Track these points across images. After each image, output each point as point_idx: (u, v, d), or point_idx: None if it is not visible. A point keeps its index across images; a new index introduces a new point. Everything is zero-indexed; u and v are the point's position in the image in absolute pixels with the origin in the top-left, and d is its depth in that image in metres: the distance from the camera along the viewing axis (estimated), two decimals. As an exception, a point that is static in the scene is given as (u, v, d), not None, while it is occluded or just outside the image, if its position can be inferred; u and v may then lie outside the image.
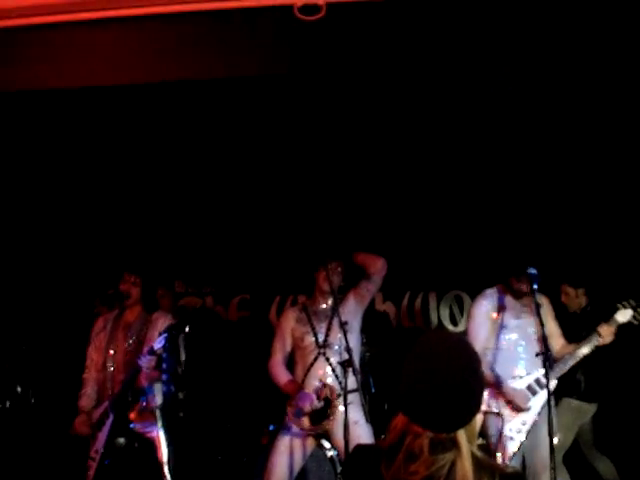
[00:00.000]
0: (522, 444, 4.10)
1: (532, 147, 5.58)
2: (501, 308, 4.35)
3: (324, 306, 4.63)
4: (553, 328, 4.40)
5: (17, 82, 3.93)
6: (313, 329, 4.53)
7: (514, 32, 3.55)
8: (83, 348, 4.86)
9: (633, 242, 5.56)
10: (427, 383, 1.83)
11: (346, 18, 3.52)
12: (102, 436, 4.31)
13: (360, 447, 2.04)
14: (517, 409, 4.14)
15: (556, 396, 4.35)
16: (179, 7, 3.66)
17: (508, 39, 3.60)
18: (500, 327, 4.29)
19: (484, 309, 4.39)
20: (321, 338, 4.50)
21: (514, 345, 4.27)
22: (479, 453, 1.88)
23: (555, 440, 3.91)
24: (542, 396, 4.10)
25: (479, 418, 1.88)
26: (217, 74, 3.75)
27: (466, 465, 1.80)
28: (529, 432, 4.15)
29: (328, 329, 4.52)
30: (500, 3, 3.54)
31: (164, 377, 4.34)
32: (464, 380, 1.84)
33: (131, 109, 5.07)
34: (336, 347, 4.46)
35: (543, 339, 3.99)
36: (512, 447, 4.08)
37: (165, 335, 4.24)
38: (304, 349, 4.54)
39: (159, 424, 4.35)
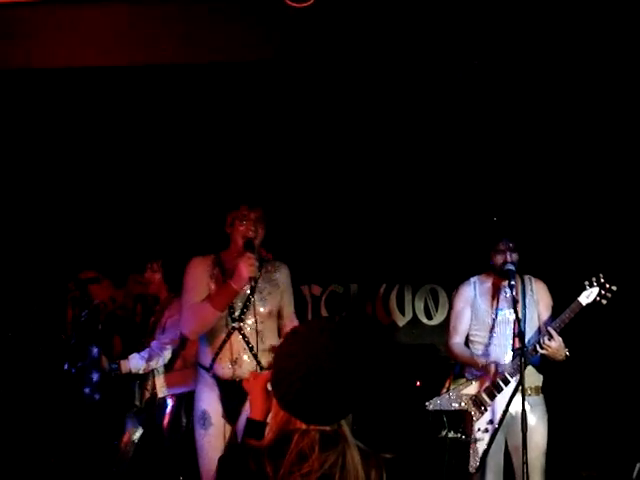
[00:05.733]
0: (490, 443, 4.02)
1: (507, 145, 5.62)
2: (494, 295, 4.25)
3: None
4: (544, 319, 4.21)
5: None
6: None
7: (504, 22, 3.56)
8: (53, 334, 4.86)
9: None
10: (304, 376, 1.77)
11: (335, 6, 3.50)
12: None
13: (235, 447, 1.97)
14: (490, 395, 4.11)
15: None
16: (165, -11, 3.62)
17: (492, 27, 3.60)
18: (492, 315, 4.21)
19: (463, 297, 4.32)
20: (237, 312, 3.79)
21: (503, 334, 4.17)
22: (359, 442, 1.85)
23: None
24: (507, 393, 4.03)
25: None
26: (203, 59, 3.71)
27: (355, 457, 1.78)
28: (508, 432, 4.09)
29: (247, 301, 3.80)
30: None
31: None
32: (342, 369, 1.78)
33: (113, 92, 4.99)
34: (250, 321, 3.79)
35: (520, 334, 3.94)
36: (481, 447, 4.02)
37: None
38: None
39: None
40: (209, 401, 3.76)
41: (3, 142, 5.57)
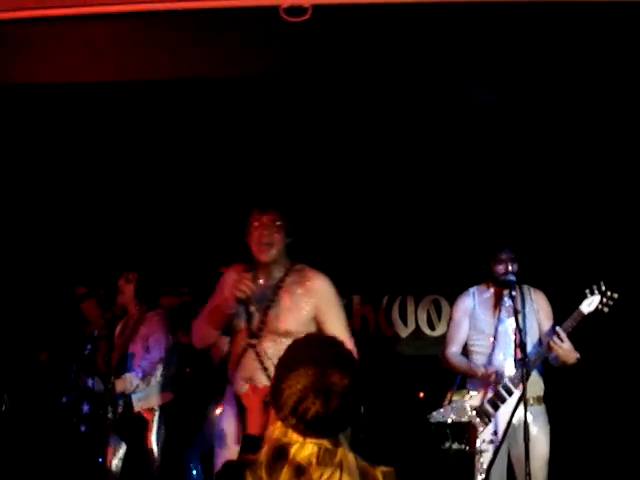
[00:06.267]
0: (496, 455, 4.02)
1: (503, 156, 5.64)
2: (495, 305, 4.26)
3: (261, 281, 3.44)
4: (547, 330, 4.19)
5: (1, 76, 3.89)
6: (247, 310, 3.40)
7: (498, 32, 3.58)
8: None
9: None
10: (302, 387, 1.78)
11: (332, 20, 3.52)
12: None
13: (231, 463, 1.89)
14: (493, 406, 4.10)
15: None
16: (163, 5, 3.65)
17: (488, 36, 3.62)
18: (494, 325, 4.22)
19: (462, 307, 4.34)
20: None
21: (504, 344, 4.18)
22: (357, 455, 1.84)
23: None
24: (510, 404, 4.03)
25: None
26: (201, 74, 3.73)
27: (353, 470, 1.77)
28: (511, 442, 4.09)
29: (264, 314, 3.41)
30: (486, 7, 3.57)
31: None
32: (339, 381, 1.79)
33: (118, 106, 5.04)
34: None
35: (521, 345, 3.94)
36: (485, 458, 4.02)
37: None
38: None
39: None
40: (228, 420, 3.46)
41: (6, 156, 5.62)
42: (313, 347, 1.86)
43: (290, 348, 1.91)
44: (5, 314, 5.77)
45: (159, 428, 4.45)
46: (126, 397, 4.42)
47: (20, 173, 5.82)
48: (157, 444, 4.42)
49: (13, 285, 5.87)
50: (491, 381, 4.08)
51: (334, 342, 1.91)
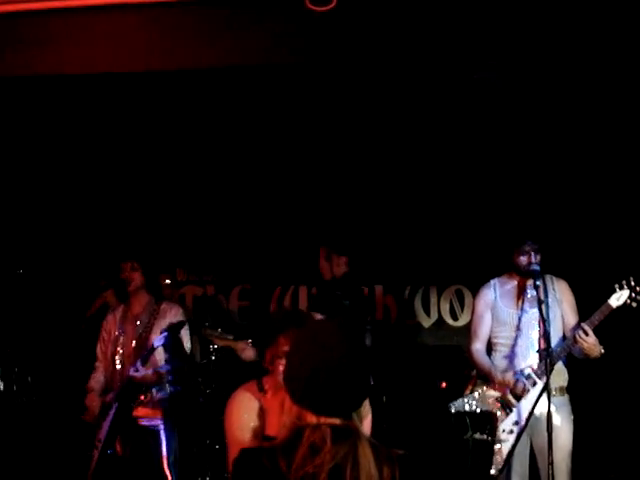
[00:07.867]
0: (515, 445, 3.99)
1: (527, 145, 5.61)
2: (518, 295, 4.24)
3: None
4: (571, 320, 4.20)
5: (12, 68, 3.94)
6: None
7: (521, 28, 3.58)
8: (84, 336, 4.93)
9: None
10: (313, 366, 1.82)
11: (357, 9, 3.53)
12: (105, 425, 4.30)
13: (247, 450, 1.89)
14: (515, 397, 4.09)
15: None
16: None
17: (517, 34, 3.62)
18: (517, 316, 4.20)
19: (483, 300, 4.32)
20: None
21: (528, 334, 4.16)
22: (371, 438, 1.88)
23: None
24: (533, 395, 4.01)
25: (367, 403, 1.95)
26: (226, 63, 3.75)
27: (367, 450, 1.80)
28: (533, 433, 4.08)
29: None
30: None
31: (169, 377, 4.27)
32: (351, 362, 1.84)
33: (134, 97, 5.06)
34: None
35: (545, 335, 3.94)
36: (505, 448, 4.01)
37: (165, 334, 4.21)
38: None
39: (163, 418, 4.38)
40: None
41: (32, 148, 5.69)
42: (319, 331, 1.92)
43: (298, 334, 1.97)
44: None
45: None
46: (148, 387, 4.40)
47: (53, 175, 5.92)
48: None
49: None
50: (510, 386, 4.08)
51: (339, 324, 1.96)
